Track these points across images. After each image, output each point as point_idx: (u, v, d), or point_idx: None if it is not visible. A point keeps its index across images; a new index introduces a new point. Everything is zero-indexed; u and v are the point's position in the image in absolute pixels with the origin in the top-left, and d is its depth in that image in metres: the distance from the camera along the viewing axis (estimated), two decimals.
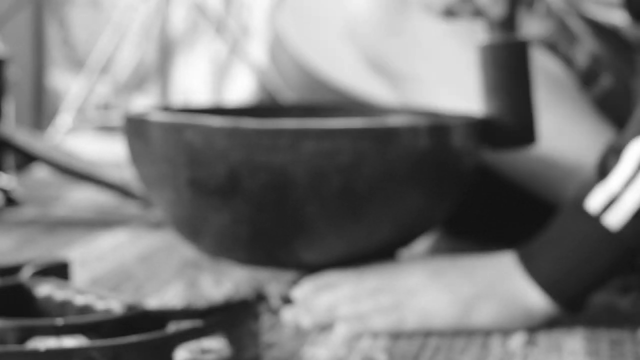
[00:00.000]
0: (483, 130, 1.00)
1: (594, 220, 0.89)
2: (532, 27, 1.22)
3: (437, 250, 1.28)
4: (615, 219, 0.89)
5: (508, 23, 1.00)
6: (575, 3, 1.18)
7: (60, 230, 1.38)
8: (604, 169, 0.90)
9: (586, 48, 1.19)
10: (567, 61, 1.20)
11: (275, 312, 0.99)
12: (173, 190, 0.97)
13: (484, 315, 0.94)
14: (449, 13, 1.01)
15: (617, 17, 1.13)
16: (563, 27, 1.21)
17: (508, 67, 1.00)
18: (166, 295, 1.06)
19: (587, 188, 0.91)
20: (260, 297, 0.98)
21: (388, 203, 0.95)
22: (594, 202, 0.90)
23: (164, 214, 1.01)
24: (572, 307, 0.93)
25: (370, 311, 0.94)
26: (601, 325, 0.97)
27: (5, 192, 1.54)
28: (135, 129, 0.98)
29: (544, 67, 1.16)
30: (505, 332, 0.94)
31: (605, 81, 1.18)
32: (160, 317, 0.81)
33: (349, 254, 0.98)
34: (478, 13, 0.99)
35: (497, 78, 1.00)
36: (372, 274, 0.98)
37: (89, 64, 2.79)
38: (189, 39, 2.91)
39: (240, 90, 2.83)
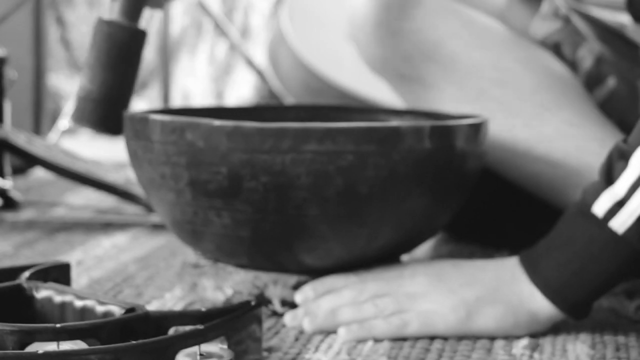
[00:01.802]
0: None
1: (600, 225, 0.88)
2: (538, 27, 1.21)
3: (439, 254, 1.27)
4: (621, 224, 0.88)
5: (134, 8, 1.07)
6: (581, 4, 1.18)
7: (60, 233, 1.38)
8: (610, 174, 0.89)
9: (592, 49, 1.19)
10: (573, 62, 1.19)
11: (276, 316, 0.99)
12: (173, 192, 0.96)
13: (487, 320, 0.93)
14: None
15: (623, 18, 1.13)
16: (569, 28, 1.20)
17: (113, 49, 1.04)
18: (167, 299, 1.06)
19: (592, 192, 0.90)
20: (261, 301, 0.98)
21: (391, 205, 0.95)
22: (600, 207, 0.89)
23: (164, 216, 1.01)
24: (577, 313, 0.92)
25: (372, 316, 0.94)
26: (607, 330, 0.96)
27: (4, 194, 1.53)
28: (135, 130, 0.98)
29: (549, 68, 1.16)
30: (510, 336, 0.94)
31: (611, 83, 1.17)
32: (161, 321, 0.80)
33: (351, 258, 0.98)
34: None
35: (99, 56, 1.05)
36: (374, 278, 0.97)
37: None
38: (190, 40, 2.90)
39: (242, 91, 2.83)
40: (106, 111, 1.04)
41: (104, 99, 1.04)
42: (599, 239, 0.89)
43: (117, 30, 1.05)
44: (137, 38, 1.06)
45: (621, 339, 0.94)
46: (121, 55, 1.05)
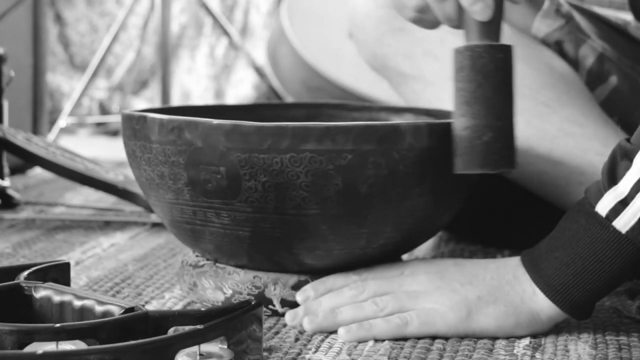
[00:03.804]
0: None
1: (604, 224, 0.88)
2: (540, 25, 1.21)
3: (440, 253, 1.27)
4: (625, 224, 0.87)
5: (493, 28, 0.91)
6: (583, 2, 1.17)
7: (59, 232, 1.37)
8: (613, 173, 0.89)
9: (594, 47, 1.18)
10: (575, 60, 1.19)
11: (276, 316, 0.98)
12: (172, 191, 0.96)
13: (488, 320, 0.93)
14: (421, 12, 0.94)
15: (626, 15, 1.12)
16: (571, 26, 1.20)
17: (491, 75, 0.90)
18: (166, 299, 1.05)
19: (595, 192, 0.89)
20: (261, 301, 0.97)
21: (391, 205, 0.94)
22: (603, 206, 0.88)
23: (163, 216, 1.00)
24: (579, 313, 0.92)
25: (372, 315, 0.94)
26: (609, 330, 0.96)
27: (2, 193, 1.53)
28: (134, 129, 0.97)
29: (551, 66, 1.16)
30: (511, 336, 0.93)
31: (613, 80, 1.17)
32: (161, 321, 0.80)
33: (351, 257, 0.97)
34: (448, 18, 0.93)
35: (477, 87, 0.90)
36: (374, 277, 0.97)
37: (88, 63, 2.79)
38: (190, 39, 2.90)
39: (241, 89, 2.82)
40: (512, 143, 0.91)
41: (510, 131, 0.91)
42: (602, 238, 0.88)
43: (502, 53, 0.91)
44: (512, 56, 0.93)
45: (623, 338, 0.94)
46: (511, 78, 0.91)
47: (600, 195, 0.89)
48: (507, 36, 1.17)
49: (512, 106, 0.91)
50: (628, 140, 0.90)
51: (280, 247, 0.96)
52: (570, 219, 0.91)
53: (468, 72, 0.90)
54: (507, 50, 0.91)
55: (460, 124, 0.91)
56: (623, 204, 0.87)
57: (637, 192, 0.86)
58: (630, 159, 0.88)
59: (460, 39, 1.16)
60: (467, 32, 0.91)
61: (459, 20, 0.92)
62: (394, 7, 0.95)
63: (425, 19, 0.95)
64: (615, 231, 0.87)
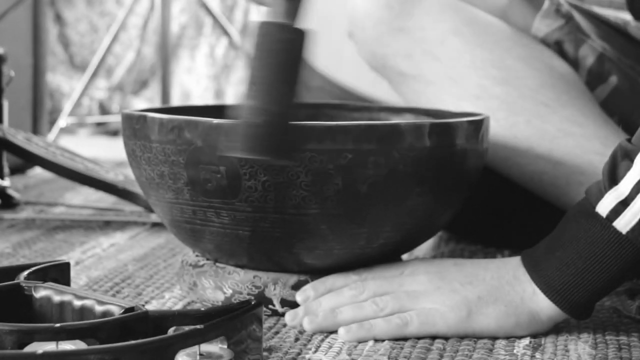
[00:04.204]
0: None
1: (604, 224, 0.88)
2: (540, 25, 1.21)
3: (440, 253, 1.27)
4: (625, 224, 0.87)
5: (291, 8, 0.86)
6: (583, 2, 1.17)
7: (59, 232, 1.37)
8: (614, 173, 0.89)
9: (594, 47, 1.18)
10: (575, 60, 1.19)
11: (276, 316, 0.98)
12: (172, 191, 0.96)
13: (488, 320, 0.93)
14: None
15: (625, 15, 1.12)
16: (571, 26, 1.20)
17: (275, 56, 0.85)
18: (166, 299, 1.05)
19: (596, 192, 0.89)
20: (261, 301, 0.97)
21: (391, 204, 0.94)
22: (603, 207, 0.88)
23: (163, 215, 1.00)
24: (579, 313, 0.92)
25: (372, 315, 0.93)
26: (609, 330, 0.96)
27: (2, 193, 1.53)
28: (134, 129, 0.97)
29: (551, 66, 1.16)
30: (511, 336, 0.93)
31: (613, 80, 1.17)
32: (161, 321, 0.80)
33: (351, 257, 0.97)
34: None
35: (261, 66, 0.85)
36: (374, 277, 0.97)
37: (88, 63, 2.79)
38: (190, 38, 2.90)
39: (241, 89, 2.82)
40: (284, 133, 0.86)
41: (284, 119, 0.85)
42: (603, 239, 0.88)
43: (292, 34, 0.86)
44: (305, 41, 0.87)
45: (623, 338, 0.94)
46: (298, 63, 0.86)
47: (600, 195, 0.89)
48: (507, 36, 1.18)
49: (294, 94, 0.85)
50: (629, 140, 0.90)
51: (280, 246, 0.96)
52: (570, 219, 0.91)
53: (256, 48, 0.85)
54: (298, 33, 0.85)
55: (253, 104, 0.85)
56: (624, 204, 0.87)
57: (637, 193, 0.86)
58: (631, 159, 0.88)
59: (459, 39, 1.17)
60: (269, 10, 0.87)
61: None
62: None
63: None
64: (616, 232, 0.87)
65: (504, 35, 1.18)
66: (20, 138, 1.53)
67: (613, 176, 0.89)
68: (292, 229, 0.94)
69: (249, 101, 0.85)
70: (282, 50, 0.85)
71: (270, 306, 0.99)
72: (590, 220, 0.89)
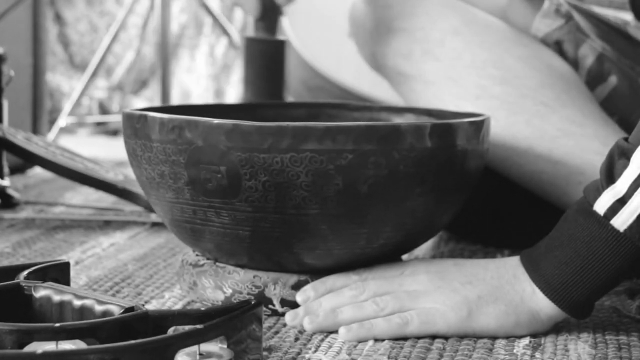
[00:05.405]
0: None
1: (602, 223, 0.88)
2: (540, 25, 1.21)
3: (440, 253, 1.27)
4: (623, 222, 0.87)
5: (268, 24, 1.19)
6: (583, 2, 1.17)
7: (59, 232, 1.37)
8: (611, 172, 0.89)
9: (593, 47, 1.18)
10: (575, 60, 1.19)
11: (276, 315, 0.98)
12: (172, 190, 0.96)
13: (488, 319, 0.93)
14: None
15: (625, 15, 1.12)
16: (571, 26, 1.20)
17: (262, 62, 1.19)
18: (166, 299, 1.05)
19: (593, 191, 0.89)
20: (261, 301, 0.97)
21: (391, 205, 0.94)
22: (601, 205, 0.88)
23: (163, 215, 1.00)
24: (578, 312, 0.92)
25: (372, 315, 0.93)
26: (608, 330, 0.96)
27: (2, 193, 1.53)
28: (134, 128, 0.97)
29: (551, 66, 1.16)
30: (511, 336, 0.93)
31: (613, 80, 1.17)
32: (160, 321, 0.80)
33: (351, 257, 0.97)
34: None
35: (254, 68, 1.20)
36: (375, 277, 0.97)
37: (87, 62, 2.79)
38: (189, 38, 2.90)
39: (241, 89, 2.82)
40: None
41: None
42: (600, 237, 0.88)
43: (268, 45, 1.19)
44: (283, 48, 1.21)
45: (623, 338, 0.94)
46: (277, 66, 1.20)
47: (598, 194, 0.89)
48: (507, 35, 1.18)
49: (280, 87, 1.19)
50: (626, 139, 0.90)
51: (280, 246, 0.96)
52: (568, 218, 0.91)
53: (252, 57, 1.24)
54: (281, 44, 1.18)
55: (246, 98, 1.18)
56: (621, 202, 0.87)
57: (634, 191, 0.86)
58: (627, 157, 0.88)
59: (459, 39, 1.17)
60: (256, 27, 1.21)
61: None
62: None
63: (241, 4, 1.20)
64: (613, 229, 0.87)
65: (504, 35, 1.18)
66: (20, 138, 1.53)
67: (610, 174, 0.89)
68: (292, 229, 0.94)
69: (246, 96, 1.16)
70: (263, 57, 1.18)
71: (270, 306, 0.99)
72: (588, 218, 0.89)
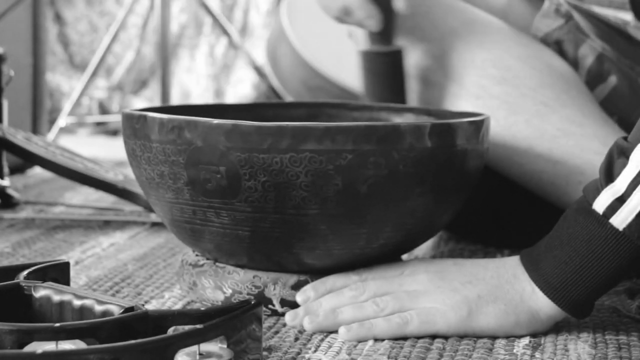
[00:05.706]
0: None
1: (601, 221, 0.88)
2: (540, 25, 1.21)
3: (440, 253, 1.27)
4: (622, 221, 0.87)
5: (384, 35, 1.15)
6: (583, 2, 1.17)
7: (58, 232, 1.37)
8: (610, 171, 0.89)
9: (593, 47, 1.18)
10: (574, 60, 1.19)
11: (276, 315, 0.98)
12: (172, 191, 0.96)
13: (488, 319, 0.93)
14: (346, 13, 1.12)
15: (625, 15, 1.12)
16: (570, 26, 1.20)
17: (383, 73, 1.17)
18: (166, 298, 1.05)
19: (593, 190, 0.90)
20: (261, 301, 0.97)
21: (391, 205, 0.94)
22: (600, 204, 0.88)
23: (163, 215, 1.00)
24: (578, 312, 0.92)
25: (372, 315, 0.93)
26: (608, 329, 0.96)
27: (2, 193, 1.53)
28: (134, 128, 0.97)
29: (551, 66, 1.16)
30: (511, 336, 0.93)
31: (612, 80, 1.17)
32: (160, 321, 0.80)
33: (351, 257, 0.97)
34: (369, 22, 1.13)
35: (373, 82, 1.18)
36: (374, 277, 0.97)
37: (87, 62, 2.79)
38: (189, 38, 2.90)
39: (241, 89, 2.82)
40: None
41: None
42: (600, 236, 0.88)
43: (390, 57, 1.17)
44: (402, 57, 1.18)
45: (623, 338, 0.94)
46: (399, 76, 1.17)
47: (597, 193, 0.89)
48: (507, 35, 1.18)
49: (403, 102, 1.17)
50: (625, 138, 0.90)
51: (280, 246, 0.96)
52: (568, 218, 0.91)
53: (378, 69, 1.18)
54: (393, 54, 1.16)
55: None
56: (620, 201, 0.87)
57: (633, 190, 0.86)
58: (626, 156, 0.88)
59: (459, 39, 1.16)
60: (373, 39, 1.17)
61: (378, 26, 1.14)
62: (320, 6, 1.12)
63: (347, 20, 1.13)
64: (613, 228, 0.87)
65: (504, 35, 1.18)
66: (20, 137, 1.53)
67: (609, 173, 0.89)
68: (292, 229, 0.94)
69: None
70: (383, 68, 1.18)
71: (270, 306, 0.99)
72: (587, 217, 0.89)
